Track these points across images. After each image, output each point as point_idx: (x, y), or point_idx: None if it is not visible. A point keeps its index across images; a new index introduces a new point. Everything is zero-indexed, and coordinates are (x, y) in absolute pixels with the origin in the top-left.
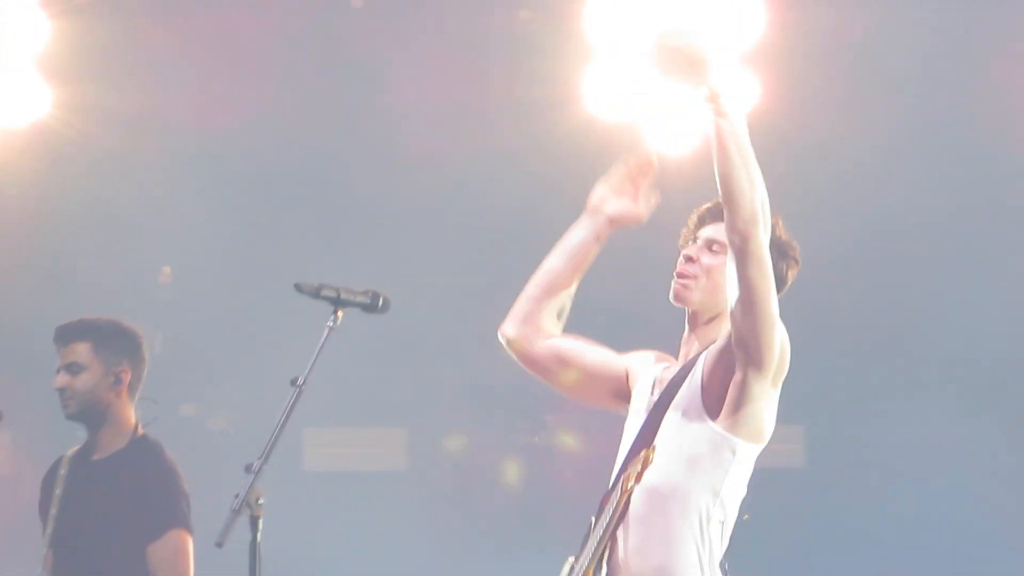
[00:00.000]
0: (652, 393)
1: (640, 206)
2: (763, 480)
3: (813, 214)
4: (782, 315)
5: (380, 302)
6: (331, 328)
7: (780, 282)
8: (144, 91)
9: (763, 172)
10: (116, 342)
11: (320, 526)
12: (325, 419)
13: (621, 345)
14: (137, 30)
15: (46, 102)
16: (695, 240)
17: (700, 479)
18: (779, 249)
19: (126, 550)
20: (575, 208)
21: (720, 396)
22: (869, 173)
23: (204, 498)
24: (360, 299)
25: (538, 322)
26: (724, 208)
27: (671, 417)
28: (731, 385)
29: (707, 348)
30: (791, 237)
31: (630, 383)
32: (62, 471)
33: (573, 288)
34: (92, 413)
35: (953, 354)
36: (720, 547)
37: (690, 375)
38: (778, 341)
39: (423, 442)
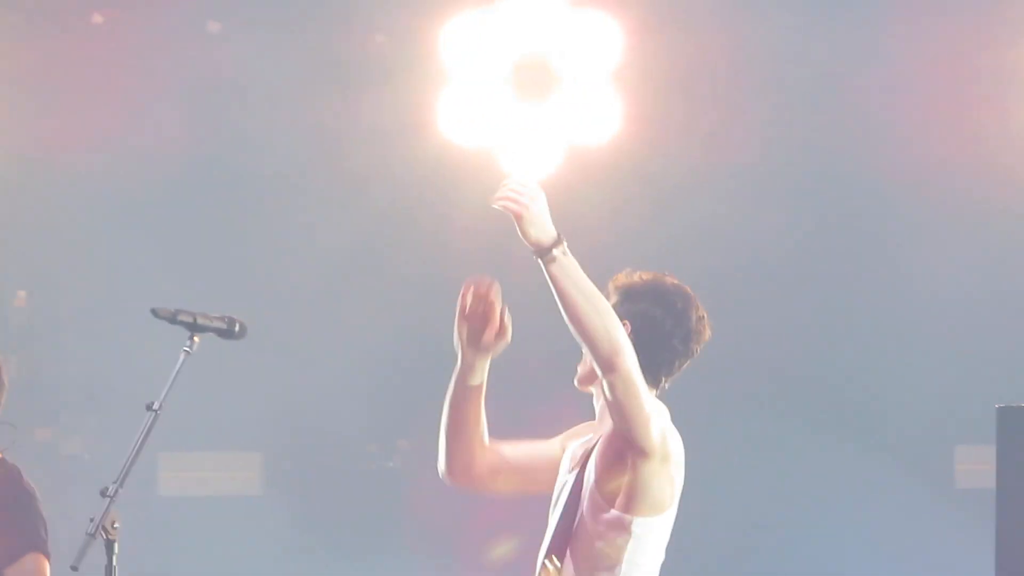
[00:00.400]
0: (569, 472)
1: (499, 326)
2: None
3: (675, 243)
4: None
5: (236, 327)
6: (187, 353)
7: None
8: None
9: (625, 199)
10: None
11: (176, 550)
12: (181, 443)
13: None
14: None
15: None
16: None
17: (601, 563)
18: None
19: None
20: (426, 234)
21: (609, 483)
22: (733, 199)
23: (59, 522)
24: (216, 324)
25: (466, 456)
26: (583, 345)
27: (568, 505)
28: (617, 471)
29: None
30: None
31: (556, 463)
32: None
33: (482, 415)
34: None
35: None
36: None
37: (589, 463)
38: (656, 431)
39: (277, 467)
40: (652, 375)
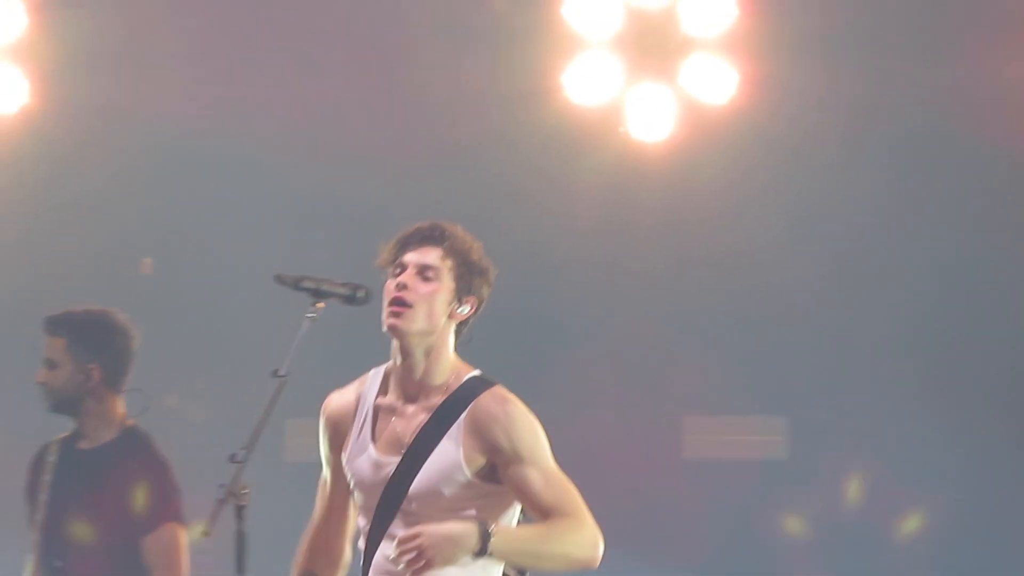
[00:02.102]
0: (377, 454)
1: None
2: (747, 472)
3: (799, 208)
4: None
5: (360, 293)
6: (311, 319)
7: (481, 303)
8: (125, 81)
9: (745, 165)
10: (90, 338)
11: (303, 516)
12: (307, 410)
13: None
14: (115, 20)
15: (24, 93)
16: (400, 265)
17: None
18: (481, 275)
19: (117, 540)
20: (546, 201)
21: (486, 472)
22: (853, 163)
23: (188, 488)
24: (340, 290)
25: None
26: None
27: (431, 494)
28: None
29: (458, 392)
30: (487, 262)
31: (329, 446)
32: (50, 457)
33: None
34: (69, 407)
35: (941, 349)
36: None
37: (440, 448)
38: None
39: None
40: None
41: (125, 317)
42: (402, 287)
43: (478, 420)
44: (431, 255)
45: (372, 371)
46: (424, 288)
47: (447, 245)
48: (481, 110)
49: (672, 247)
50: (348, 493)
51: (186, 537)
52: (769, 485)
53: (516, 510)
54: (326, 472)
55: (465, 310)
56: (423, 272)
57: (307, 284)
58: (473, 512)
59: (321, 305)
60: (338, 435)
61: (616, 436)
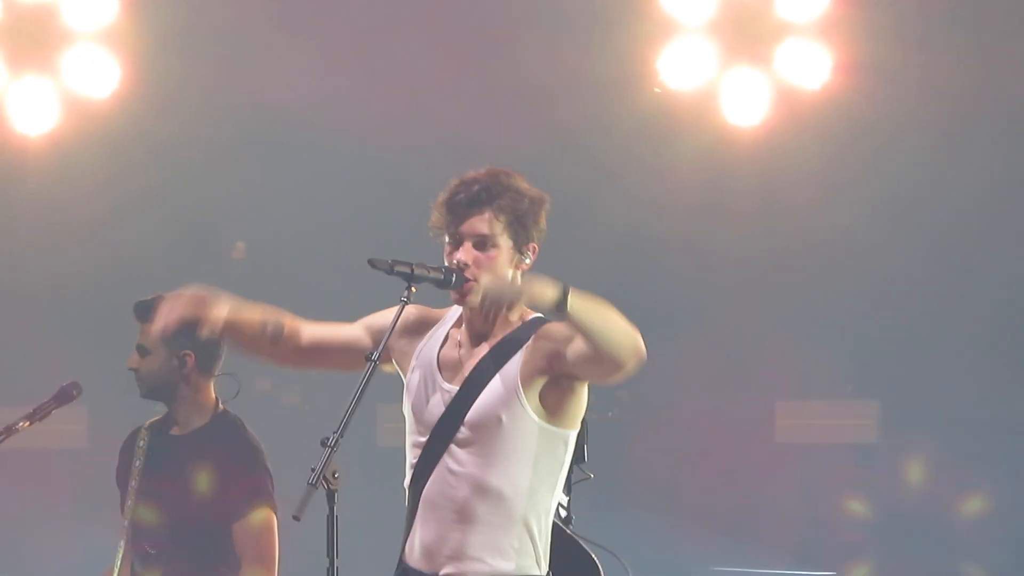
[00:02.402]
0: (442, 379)
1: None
2: (839, 455)
3: (894, 193)
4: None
5: (454, 277)
6: (405, 303)
7: (542, 231)
8: (216, 65)
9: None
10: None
11: (396, 501)
12: (398, 395)
13: None
14: (206, 3)
15: (115, 78)
16: (455, 236)
17: (543, 479)
18: (535, 219)
19: (209, 524)
20: (639, 184)
21: (542, 399)
22: (949, 148)
23: (280, 472)
24: (433, 274)
25: (263, 353)
26: (610, 360)
27: (489, 417)
28: (553, 392)
29: (517, 331)
30: (537, 190)
31: (393, 352)
32: (141, 442)
33: (253, 330)
34: (163, 393)
35: None
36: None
37: (502, 373)
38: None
39: None
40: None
41: None
42: (464, 265)
43: (538, 339)
44: (482, 222)
45: (456, 307)
46: (484, 258)
47: (496, 204)
48: (577, 95)
49: (766, 232)
50: (336, 351)
51: (276, 522)
52: (861, 468)
53: (566, 464)
54: (354, 327)
55: (528, 258)
56: (480, 243)
57: (400, 268)
58: (529, 450)
59: (414, 289)
60: (405, 332)
61: (710, 421)
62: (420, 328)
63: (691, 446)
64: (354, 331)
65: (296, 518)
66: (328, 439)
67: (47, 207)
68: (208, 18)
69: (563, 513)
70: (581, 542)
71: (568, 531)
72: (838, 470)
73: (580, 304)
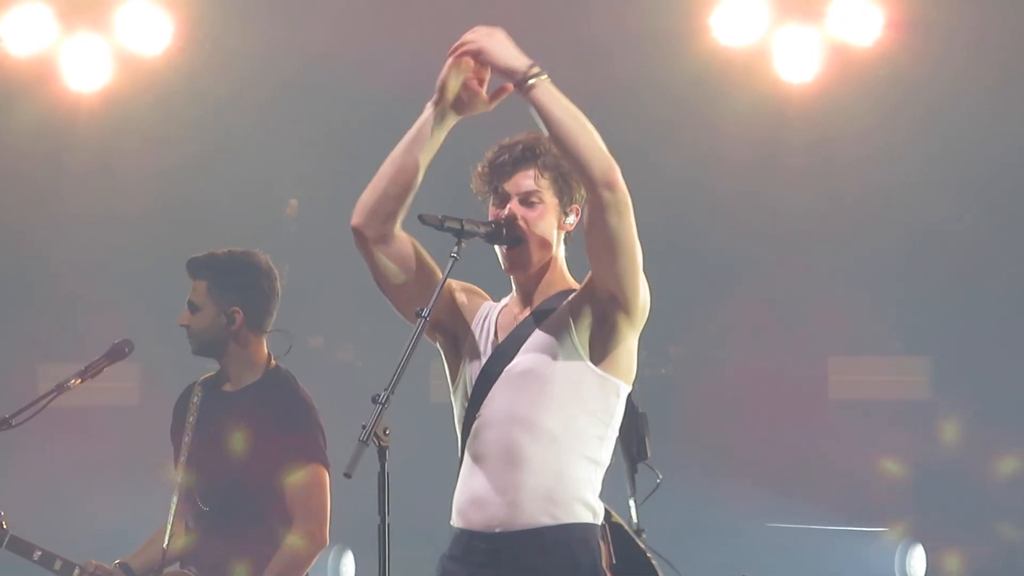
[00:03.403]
0: (493, 335)
1: (484, 92)
2: (891, 412)
3: (945, 149)
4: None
5: (503, 233)
6: (454, 259)
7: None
8: (268, 26)
9: (891, 107)
10: (231, 281)
11: (448, 457)
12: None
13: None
14: None
15: (168, 35)
16: (500, 195)
17: (594, 422)
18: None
19: (261, 481)
20: (692, 140)
21: (592, 342)
22: (1000, 105)
23: (332, 428)
24: (483, 230)
25: (393, 219)
26: (577, 170)
27: (538, 360)
28: (601, 331)
29: (554, 294)
30: None
31: (461, 313)
32: (194, 398)
33: (420, 180)
34: (213, 350)
35: None
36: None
37: (549, 322)
38: (643, 285)
39: None
40: None
41: (268, 258)
42: (512, 218)
43: (582, 284)
44: (528, 178)
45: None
46: (531, 215)
47: (541, 162)
48: (633, 51)
49: (818, 187)
50: (427, 281)
51: (328, 478)
52: (912, 424)
53: (617, 419)
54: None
55: (572, 220)
56: (526, 199)
57: (451, 223)
58: (581, 392)
59: (464, 244)
60: (465, 291)
61: (763, 377)
62: (482, 297)
63: (743, 402)
64: (436, 271)
65: (347, 475)
66: (379, 396)
67: (100, 164)
68: None
69: (635, 519)
70: (652, 558)
71: (641, 543)
72: (890, 426)
73: (553, 91)
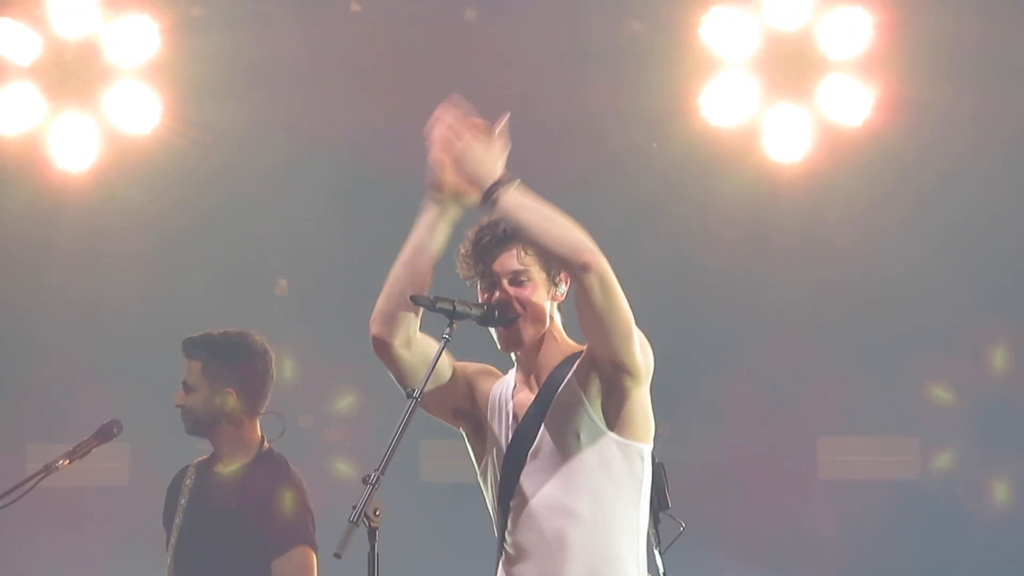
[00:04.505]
0: (511, 418)
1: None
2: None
3: (938, 232)
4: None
5: (495, 314)
6: (446, 340)
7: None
8: (257, 105)
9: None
10: (226, 361)
11: (438, 537)
12: (441, 431)
13: None
14: (246, 42)
15: (156, 114)
16: (488, 277)
17: (626, 492)
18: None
19: (249, 564)
20: (682, 220)
21: (605, 410)
22: (996, 184)
23: (321, 510)
24: (475, 311)
25: (412, 325)
26: (554, 261)
27: (560, 439)
28: (612, 398)
29: (560, 363)
30: None
31: (477, 398)
32: (187, 481)
33: (432, 278)
34: (207, 430)
35: None
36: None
37: (561, 396)
38: (641, 344)
39: None
40: None
41: (264, 339)
42: (503, 301)
43: (583, 355)
44: (512, 258)
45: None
46: (523, 293)
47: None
48: (624, 129)
49: (808, 267)
50: (450, 384)
51: (316, 561)
52: (903, 505)
53: (647, 483)
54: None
55: (563, 288)
56: (515, 279)
57: (443, 304)
58: (607, 465)
59: (455, 325)
60: (483, 383)
61: (752, 455)
62: (493, 376)
63: (733, 481)
64: (454, 370)
65: (337, 556)
66: (369, 476)
67: (88, 244)
68: (249, 54)
69: (661, 570)
70: None
71: None
72: (879, 506)
73: (518, 198)
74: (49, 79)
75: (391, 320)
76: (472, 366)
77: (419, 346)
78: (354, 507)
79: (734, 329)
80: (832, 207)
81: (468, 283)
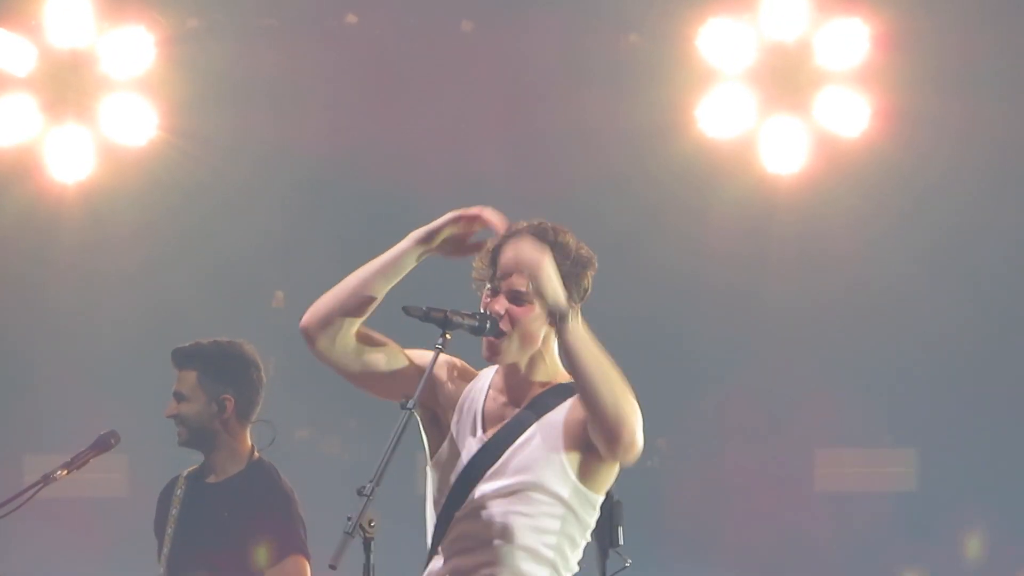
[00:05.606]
0: (479, 430)
1: (471, 243)
2: (878, 503)
3: (933, 241)
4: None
5: (488, 324)
6: (440, 350)
7: (585, 292)
8: (253, 117)
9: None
10: (221, 370)
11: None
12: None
13: None
14: (242, 55)
15: (152, 125)
16: (495, 286)
17: (573, 537)
18: (583, 265)
19: (241, 573)
20: (680, 232)
21: (581, 466)
22: (989, 197)
23: (318, 521)
24: (468, 321)
25: (345, 331)
26: (599, 422)
27: (525, 470)
28: (592, 460)
29: (546, 391)
30: (588, 249)
31: (440, 394)
32: (178, 491)
33: (378, 304)
34: (201, 440)
35: None
36: None
37: (541, 429)
38: (641, 440)
39: None
40: None
41: (253, 348)
42: (498, 316)
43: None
44: (521, 279)
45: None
46: (518, 311)
47: None
48: (619, 140)
49: (806, 279)
50: (395, 373)
51: (309, 569)
52: (899, 516)
53: (589, 531)
54: (406, 355)
55: None
56: (515, 297)
57: (435, 314)
58: (563, 505)
59: (448, 336)
60: (451, 378)
61: (749, 467)
62: (465, 376)
63: (730, 494)
64: (404, 359)
65: (332, 567)
66: (364, 488)
67: (84, 254)
68: (244, 67)
69: None
70: None
71: None
72: (876, 518)
73: (583, 333)
74: (45, 90)
75: (323, 322)
76: (448, 359)
77: (349, 347)
78: (349, 518)
79: (731, 341)
80: (830, 219)
81: (475, 287)
